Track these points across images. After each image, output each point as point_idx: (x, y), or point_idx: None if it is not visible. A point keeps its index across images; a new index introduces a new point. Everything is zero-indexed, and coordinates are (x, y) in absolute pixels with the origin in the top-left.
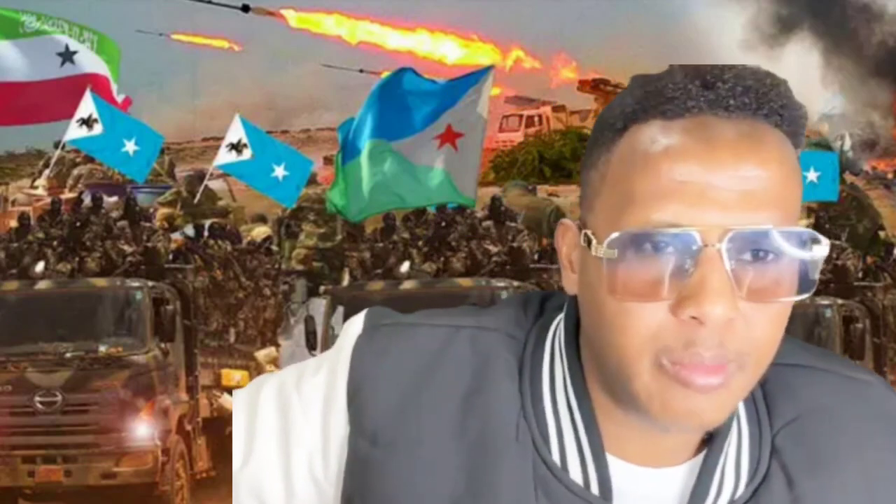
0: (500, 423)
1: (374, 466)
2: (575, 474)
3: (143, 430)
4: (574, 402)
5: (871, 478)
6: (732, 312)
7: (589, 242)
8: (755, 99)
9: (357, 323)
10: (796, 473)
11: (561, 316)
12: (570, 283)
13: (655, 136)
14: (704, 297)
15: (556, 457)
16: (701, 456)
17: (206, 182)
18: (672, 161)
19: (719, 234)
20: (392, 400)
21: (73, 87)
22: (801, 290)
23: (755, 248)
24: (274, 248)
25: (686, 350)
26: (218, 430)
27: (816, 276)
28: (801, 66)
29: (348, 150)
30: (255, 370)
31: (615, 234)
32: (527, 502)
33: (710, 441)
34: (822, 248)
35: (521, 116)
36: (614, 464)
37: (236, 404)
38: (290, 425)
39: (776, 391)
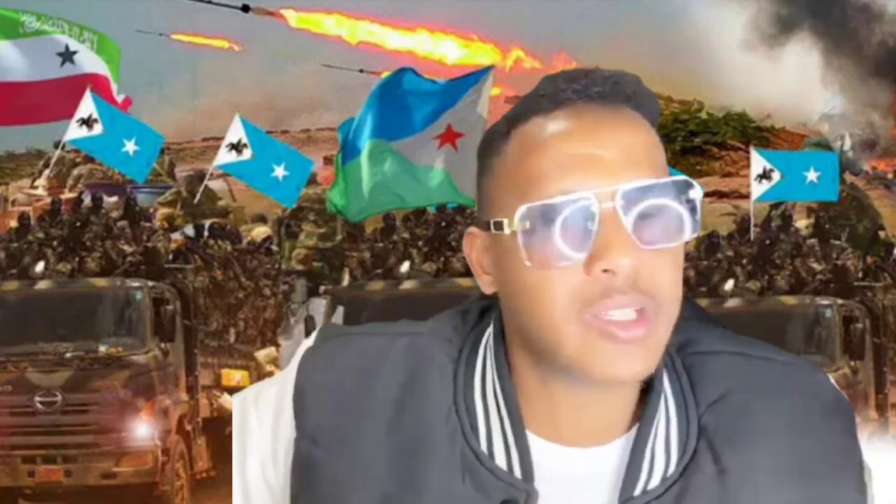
0: (432, 420)
1: (314, 465)
2: (500, 459)
3: (143, 430)
4: (500, 393)
5: (803, 456)
6: (636, 261)
7: (499, 226)
8: (612, 87)
9: (310, 339)
10: (721, 449)
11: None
12: (485, 283)
13: (540, 125)
14: (611, 250)
15: (483, 444)
16: (628, 435)
17: (206, 182)
18: (560, 140)
19: (611, 194)
20: (332, 403)
21: (73, 87)
22: (691, 232)
23: (646, 203)
24: (274, 248)
25: (604, 299)
26: (218, 430)
27: (699, 217)
28: (801, 66)
29: (348, 150)
30: (255, 370)
31: (523, 208)
32: (454, 490)
33: (639, 420)
34: (697, 191)
35: None
36: (542, 446)
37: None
38: (246, 437)
39: (702, 374)
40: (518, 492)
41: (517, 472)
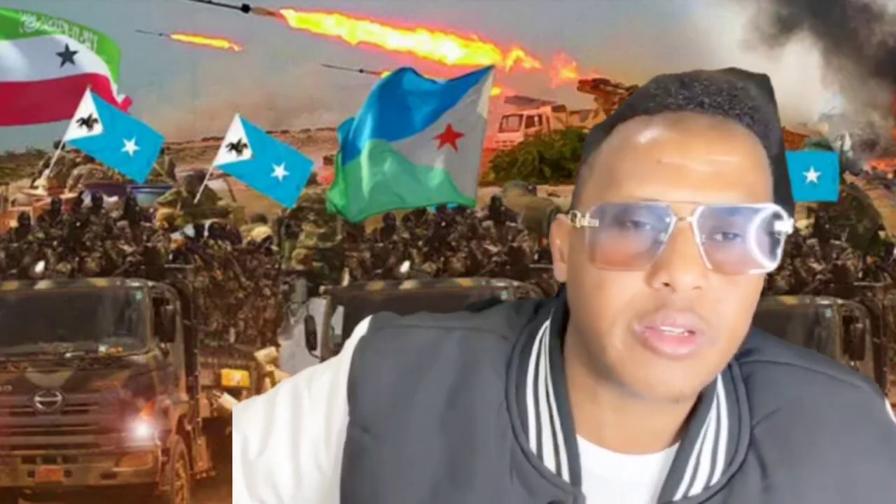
0: (483, 416)
1: (366, 453)
2: (548, 460)
3: (143, 430)
4: (552, 393)
5: (852, 479)
6: (701, 281)
7: (574, 217)
8: (727, 99)
9: (362, 326)
10: (771, 464)
11: (551, 318)
12: (559, 271)
13: (638, 127)
14: (675, 264)
15: (532, 444)
16: (675, 446)
17: (206, 182)
18: (651, 145)
19: (691, 209)
20: (385, 393)
21: (73, 87)
22: (769, 266)
23: (723, 225)
24: (274, 248)
25: (657, 312)
26: (218, 430)
27: (780, 251)
28: (801, 66)
29: (348, 150)
30: (255, 370)
31: (597, 205)
32: (502, 486)
33: (688, 430)
34: (786, 224)
35: (521, 116)
36: (591, 450)
37: (254, 407)
38: (300, 419)
39: (759, 385)
40: (565, 494)
41: (565, 475)
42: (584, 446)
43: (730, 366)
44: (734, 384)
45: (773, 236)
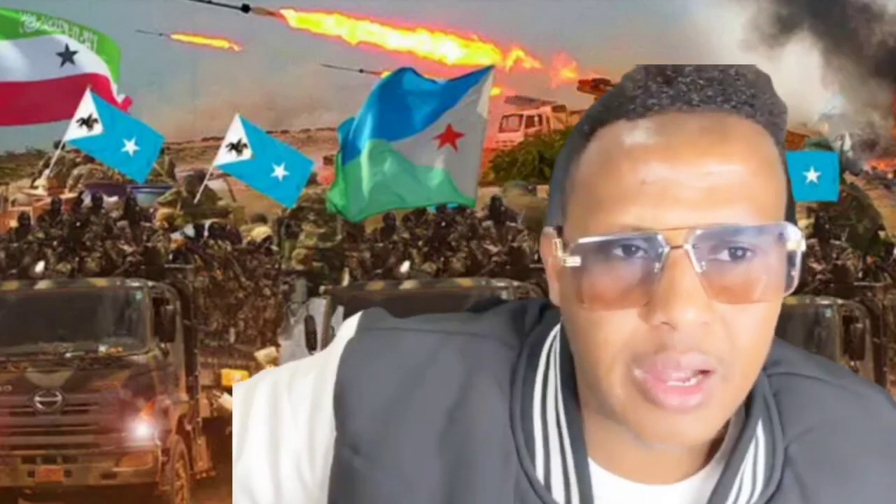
0: (484, 437)
1: (357, 476)
2: (557, 491)
3: (143, 430)
4: (563, 414)
5: (892, 489)
6: (706, 315)
7: (556, 247)
8: (720, 91)
9: (350, 325)
10: (811, 485)
11: (559, 325)
12: (554, 293)
13: (618, 137)
14: (674, 301)
15: (540, 472)
16: (702, 474)
17: (206, 182)
18: (633, 161)
19: (685, 235)
20: (376, 408)
21: (73, 87)
22: (782, 289)
23: (726, 247)
24: (274, 248)
25: (658, 354)
26: (218, 430)
27: (796, 272)
28: (801, 66)
29: (348, 150)
30: (255, 370)
31: (578, 242)
32: None
33: (730, 455)
34: (798, 242)
35: (521, 116)
36: (604, 478)
37: (235, 399)
38: (278, 425)
39: (788, 400)
40: None
41: None
42: (597, 473)
43: (760, 378)
44: (765, 400)
45: (785, 254)
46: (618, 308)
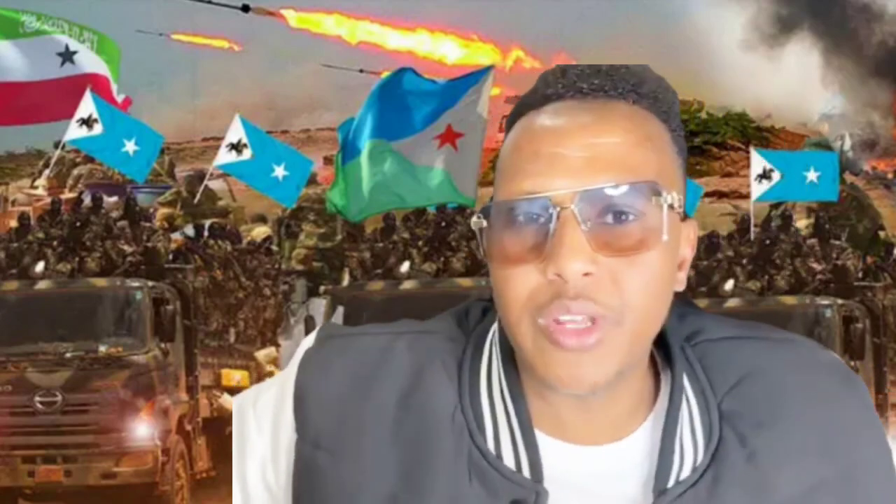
0: (436, 419)
1: (318, 469)
2: (508, 459)
3: (143, 430)
4: (507, 391)
5: (827, 424)
6: (590, 267)
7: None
8: (608, 80)
9: (309, 339)
10: (748, 432)
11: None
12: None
13: (525, 124)
14: (561, 254)
15: (490, 444)
16: (644, 428)
17: (206, 182)
18: (531, 138)
19: (570, 197)
20: (333, 406)
21: (73, 87)
22: (659, 242)
23: (610, 210)
24: (274, 248)
25: (553, 303)
26: (218, 430)
27: (666, 225)
28: (801, 66)
29: (348, 150)
30: (255, 370)
31: (483, 206)
32: (461, 490)
33: (661, 410)
34: (667, 196)
35: None
36: (551, 445)
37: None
38: (245, 439)
39: (714, 363)
40: (527, 491)
41: (525, 472)
42: (545, 441)
43: (683, 349)
44: (691, 365)
45: (658, 209)
46: (521, 264)
